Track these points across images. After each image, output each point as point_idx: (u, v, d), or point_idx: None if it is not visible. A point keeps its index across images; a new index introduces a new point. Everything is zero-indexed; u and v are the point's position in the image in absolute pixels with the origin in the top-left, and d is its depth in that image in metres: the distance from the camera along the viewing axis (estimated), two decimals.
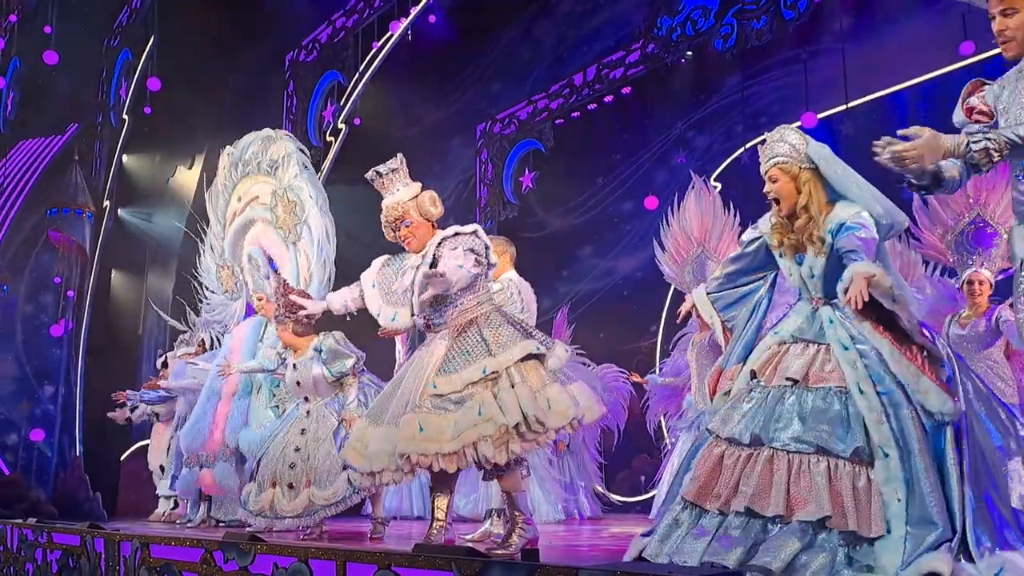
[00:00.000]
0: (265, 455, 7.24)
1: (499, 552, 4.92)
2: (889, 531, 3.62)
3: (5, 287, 17.56)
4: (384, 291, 5.55)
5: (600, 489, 10.88)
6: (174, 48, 16.23)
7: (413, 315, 5.34)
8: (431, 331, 5.44)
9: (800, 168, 4.25)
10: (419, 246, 5.48)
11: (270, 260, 8.87)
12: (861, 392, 3.87)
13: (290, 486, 6.90)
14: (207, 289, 9.55)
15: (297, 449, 7.01)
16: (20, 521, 9.31)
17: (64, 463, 16.98)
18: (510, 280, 6.81)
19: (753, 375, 4.22)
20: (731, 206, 9.49)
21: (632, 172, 12.72)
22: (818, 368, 4.02)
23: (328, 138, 15.24)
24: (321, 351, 7.14)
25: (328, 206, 8.55)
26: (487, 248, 5.39)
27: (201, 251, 9.53)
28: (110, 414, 12.03)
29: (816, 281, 4.25)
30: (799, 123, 10.31)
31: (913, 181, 3.92)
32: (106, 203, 17.88)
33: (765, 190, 4.33)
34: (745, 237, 4.66)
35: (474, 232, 5.44)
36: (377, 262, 5.75)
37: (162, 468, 11.46)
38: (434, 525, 5.30)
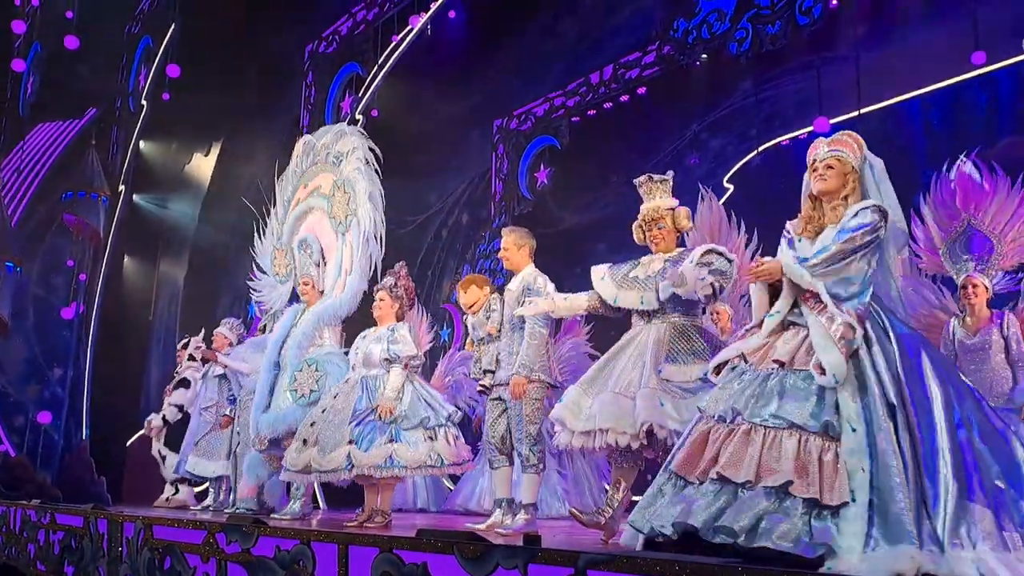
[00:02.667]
0: (306, 418, 7.39)
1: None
2: (854, 500, 3.70)
3: (19, 268, 17.63)
4: (617, 282, 6.09)
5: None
6: (195, 36, 16.30)
7: (659, 299, 5.84)
8: (645, 321, 5.94)
9: (852, 167, 4.49)
10: (666, 248, 6.08)
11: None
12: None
13: (304, 441, 7.04)
14: (260, 270, 9.69)
15: (324, 411, 7.15)
16: (24, 502, 9.37)
17: (70, 446, 17.04)
18: (538, 276, 6.86)
19: (744, 359, 4.38)
20: (737, 217, 9.50)
21: (646, 171, 12.78)
22: (803, 353, 4.16)
23: None
24: (392, 330, 7.33)
25: (383, 204, 8.64)
26: (729, 279, 5.87)
27: (262, 233, 9.67)
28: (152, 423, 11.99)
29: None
30: (811, 128, 10.35)
31: None
32: (121, 188, 17.95)
33: (817, 176, 4.52)
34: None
35: (730, 261, 5.91)
36: (603, 266, 6.28)
37: (160, 454, 11.53)
38: (612, 514, 5.52)
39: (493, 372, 6.87)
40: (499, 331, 6.90)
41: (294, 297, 9.07)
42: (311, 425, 7.12)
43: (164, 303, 18.09)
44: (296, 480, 7.41)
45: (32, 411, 17.43)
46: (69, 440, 17.31)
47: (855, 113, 10.32)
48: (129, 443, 15.45)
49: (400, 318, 7.61)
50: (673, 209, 6.14)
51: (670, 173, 6.32)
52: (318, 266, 8.75)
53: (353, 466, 6.76)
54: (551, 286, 6.79)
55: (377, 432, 6.87)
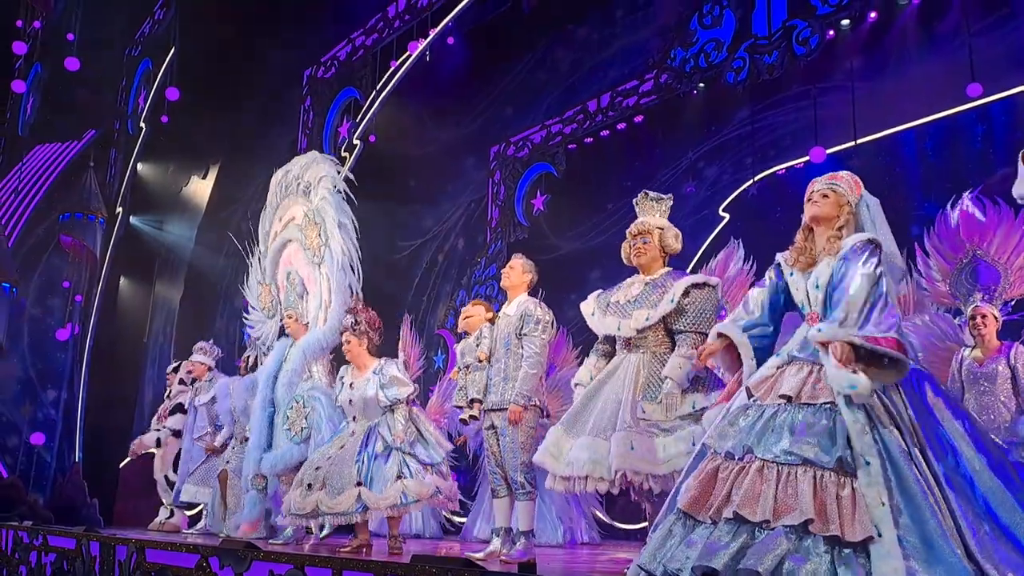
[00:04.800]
0: (307, 463, 7.40)
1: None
2: (880, 534, 3.68)
3: (14, 289, 17.62)
4: (602, 308, 6.11)
5: (600, 515, 10.87)
6: (194, 59, 16.34)
7: (637, 328, 5.85)
8: (627, 349, 5.92)
9: (848, 202, 4.53)
10: (646, 263, 6.08)
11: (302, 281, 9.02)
12: (847, 405, 4.00)
13: (308, 486, 7.04)
14: (251, 306, 9.73)
15: (329, 458, 7.15)
16: (16, 524, 9.34)
17: (63, 468, 17.00)
18: (538, 306, 6.87)
19: (749, 394, 4.36)
20: (747, 248, 9.49)
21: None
22: (810, 387, 4.15)
23: (343, 153, 15.33)
24: (381, 374, 7.29)
25: (355, 232, 8.66)
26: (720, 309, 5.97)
27: (249, 267, 9.71)
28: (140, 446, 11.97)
29: (819, 293, 4.41)
30: (807, 157, 10.38)
31: None
32: (119, 210, 17.97)
33: (812, 203, 4.55)
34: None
35: (716, 287, 6.00)
36: (591, 297, 6.31)
37: (167, 479, 11.48)
38: None
39: (480, 401, 6.86)
40: (489, 358, 6.90)
41: (283, 331, 9.10)
42: (316, 470, 7.13)
43: (159, 325, 18.07)
44: (302, 524, 7.51)
45: (25, 432, 17.39)
46: (62, 462, 17.27)
47: (851, 143, 10.35)
48: (122, 465, 15.39)
49: (373, 352, 7.60)
50: (662, 228, 6.13)
51: (669, 195, 6.33)
52: (302, 299, 8.79)
53: (367, 508, 6.83)
54: (550, 316, 6.82)
55: (385, 469, 6.93)
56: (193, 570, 5.68)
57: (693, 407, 5.53)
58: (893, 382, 4.13)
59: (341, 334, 7.66)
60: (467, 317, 7.26)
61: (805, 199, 4.61)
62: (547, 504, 9.66)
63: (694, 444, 5.20)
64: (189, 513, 11.43)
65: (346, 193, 8.85)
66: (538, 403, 6.70)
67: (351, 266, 8.46)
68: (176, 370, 11.90)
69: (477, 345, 6.99)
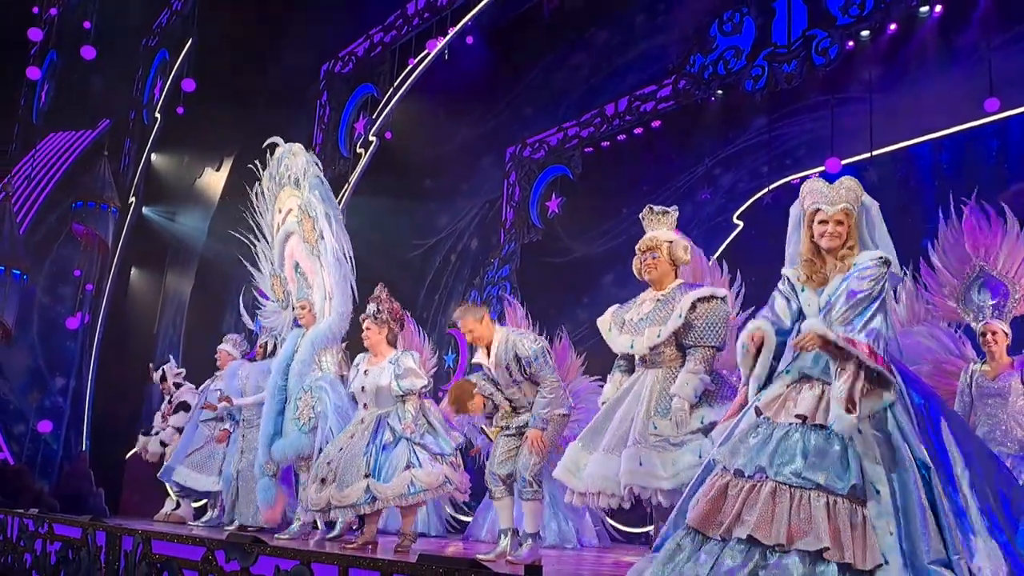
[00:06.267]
0: (322, 457, 7.46)
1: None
2: (887, 562, 3.73)
3: (25, 276, 17.62)
4: (618, 327, 6.19)
5: (606, 518, 10.85)
6: (212, 51, 16.33)
7: (650, 346, 5.93)
8: (645, 365, 6.02)
9: (855, 215, 4.51)
10: (657, 278, 6.14)
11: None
12: (859, 431, 4.01)
13: (323, 480, 7.11)
14: (264, 297, 9.81)
15: (341, 449, 7.21)
16: (21, 512, 9.34)
17: (69, 457, 17.01)
18: (520, 339, 6.84)
19: (758, 412, 4.32)
20: (745, 254, 9.49)
21: (657, 205, 12.81)
22: (824, 409, 4.12)
23: (359, 150, 15.34)
24: (397, 364, 7.32)
25: (342, 221, 8.72)
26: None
27: (260, 258, 9.78)
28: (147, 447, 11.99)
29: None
30: (823, 167, 10.35)
31: None
32: (132, 200, 17.96)
33: (828, 230, 4.48)
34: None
35: (723, 299, 6.06)
36: (608, 312, 6.41)
37: None
38: None
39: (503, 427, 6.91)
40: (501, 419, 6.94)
41: (296, 320, 9.16)
42: (328, 463, 7.18)
43: (170, 316, 18.07)
44: (319, 518, 7.60)
45: (33, 420, 17.39)
46: (69, 450, 17.28)
47: (867, 155, 10.34)
48: (129, 456, 15.40)
49: (392, 342, 7.64)
50: (671, 241, 6.17)
51: (674, 207, 6.40)
52: (312, 289, 8.86)
53: (375, 499, 6.86)
54: (541, 343, 6.80)
55: (395, 459, 6.95)
56: (199, 563, 5.66)
57: (702, 421, 5.61)
58: (882, 405, 4.13)
59: (362, 321, 7.67)
60: (469, 330, 7.16)
61: (807, 210, 4.57)
62: (553, 507, 9.66)
63: (701, 456, 5.31)
64: (196, 505, 11.42)
65: (326, 182, 8.94)
66: (561, 411, 6.69)
67: (345, 255, 8.50)
68: (164, 378, 11.91)
69: (491, 424, 7.10)
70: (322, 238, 8.55)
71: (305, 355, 8.49)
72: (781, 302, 4.63)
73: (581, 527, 10.06)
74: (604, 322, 6.33)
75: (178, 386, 11.76)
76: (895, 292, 7.71)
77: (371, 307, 7.64)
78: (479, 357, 6.92)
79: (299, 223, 8.98)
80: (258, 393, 9.52)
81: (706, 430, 5.56)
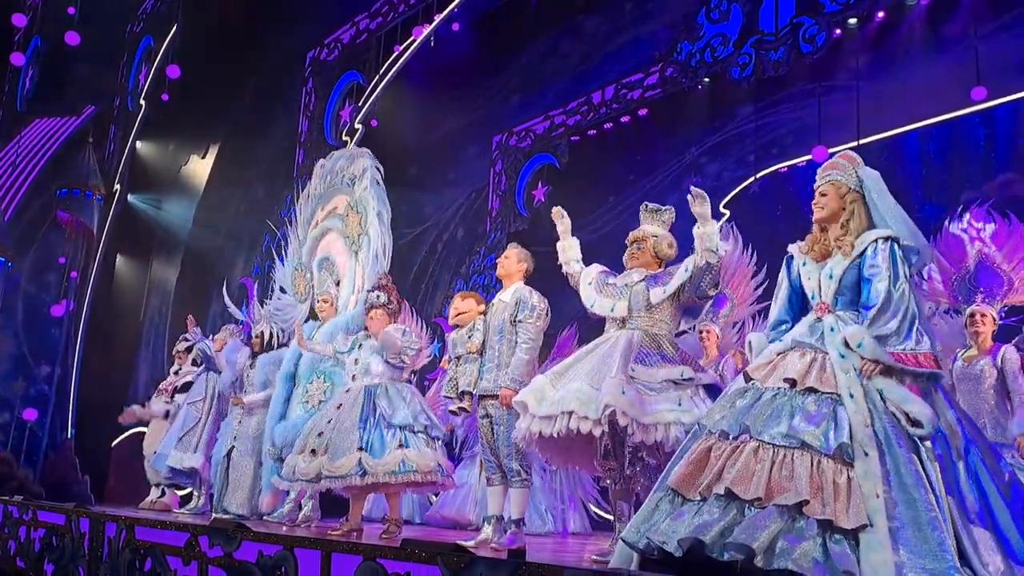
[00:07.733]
0: (310, 428, 7.49)
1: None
2: (872, 524, 3.67)
3: (10, 264, 17.57)
4: (598, 287, 6.33)
5: (592, 506, 10.85)
6: (196, 38, 16.27)
7: (630, 308, 6.06)
8: (617, 324, 6.10)
9: (849, 188, 4.51)
10: (638, 267, 6.29)
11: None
12: (851, 396, 4.02)
13: (312, 452, 7.13)
14: (280, 288, 9.94)
15: (329, 421, 7.26)
16: (6, 498, 9.33)
17: (55, 444, 16.99)
18: (533, 293, 6.86)
19: (747, 378, 4.35)
20: (748, 245, 9.47)
21: (644, 193, 12.73)
22: (815, 374, 4.14)
23: (344, 137, 15.30)
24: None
25: (391, 222, 9.03)
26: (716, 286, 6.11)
27: (283, 251, 9.96)
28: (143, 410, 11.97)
29: (832, 284, 4.40)
30: (810, 156, 10.36)
31: None
32: (117, 187, 17.91)
33: (815, 206, 4.58)
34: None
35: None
36: (595, 267, 6.59)
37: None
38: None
39: (471, 393, 6.84)
40: (481, 351, 6.87)
41: (312, 314, 9.34)
42: (319, 435, 7.19)
43: (155, 304, 18.04)
44: (307, 489, 7.67)
45: (17, 407, 17.34)
46: (54, 438, 17.24)
47: (854, 143, 10.33)
48: (114, 444, 15.37)
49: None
50: (656, 236, 6.35)
51: (670, 207, 6.55)
52: (337, 284, 9.01)
53: (366, 472, 6.88)
54: (545, 304, 6.82)
55: (387, 437, 7.02)
56: (183, 548, 5.65)
57: (682, 376, 5.68)
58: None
59: (368, 310, 7.77)
60: (460, 313, 7.19)
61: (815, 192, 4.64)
62: (538, 495, 9.66)
63: (680, 405, 5.49)
64: (181, 493, 11.39)
65: (383, 185, 9.23)
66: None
67: (383, 252, 8.76)
68: (189, 351, 11.81)
69: (469, 337, 6.96)
70: (367, 234, 8.81)
71: (324, 340, 8.58)
72: (783, 293, 4.74)
73: (566, 515, 10.07)
74: (588, 274, 6.50)
75: (195, 363, 11.63)
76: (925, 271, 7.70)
77: (381, 296, 7.74)
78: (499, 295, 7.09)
79: (343, 219, 9.27)
80: (264, 386, 9.56)
81: (684, 386, 5.67)
